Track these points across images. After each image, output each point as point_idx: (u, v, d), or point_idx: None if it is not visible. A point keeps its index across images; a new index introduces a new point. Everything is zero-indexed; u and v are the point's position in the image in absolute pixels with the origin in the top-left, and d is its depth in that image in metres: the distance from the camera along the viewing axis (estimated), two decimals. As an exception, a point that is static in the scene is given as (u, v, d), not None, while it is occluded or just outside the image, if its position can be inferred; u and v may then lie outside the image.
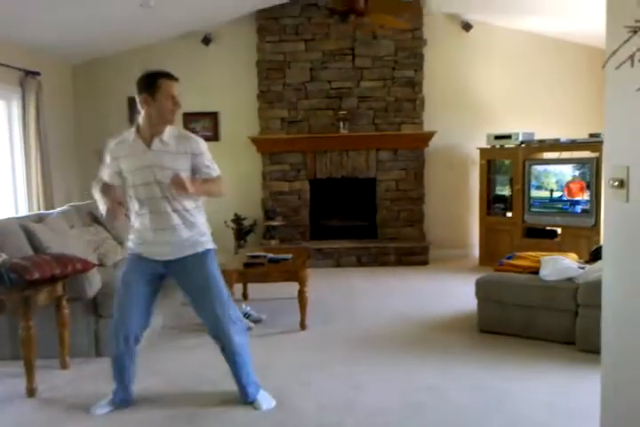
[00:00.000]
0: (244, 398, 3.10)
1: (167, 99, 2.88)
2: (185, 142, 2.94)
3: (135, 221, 3.01)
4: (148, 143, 2.90)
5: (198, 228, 3.02)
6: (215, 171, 3.05)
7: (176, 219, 2.94)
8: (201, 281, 2.98)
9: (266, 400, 3.09)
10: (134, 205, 2.98)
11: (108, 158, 3.02)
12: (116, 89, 7.06)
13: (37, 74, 5.92)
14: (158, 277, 3.05)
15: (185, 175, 2.84)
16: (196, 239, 2.99)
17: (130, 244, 3.06)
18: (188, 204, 2.98)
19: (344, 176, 6.93)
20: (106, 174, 3.04)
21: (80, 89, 7.12)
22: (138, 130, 2.95)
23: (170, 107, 2.90)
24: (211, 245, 3.06)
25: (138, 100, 2.92)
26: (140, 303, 3.01)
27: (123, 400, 3.12)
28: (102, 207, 2.96)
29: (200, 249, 3.00)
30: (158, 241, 2.94)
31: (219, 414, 2.99)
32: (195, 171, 2.96)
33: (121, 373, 3.11)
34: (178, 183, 2.78)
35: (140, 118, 2.95)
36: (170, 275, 3.04)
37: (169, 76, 2.92)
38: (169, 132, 2.93)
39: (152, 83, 2.88)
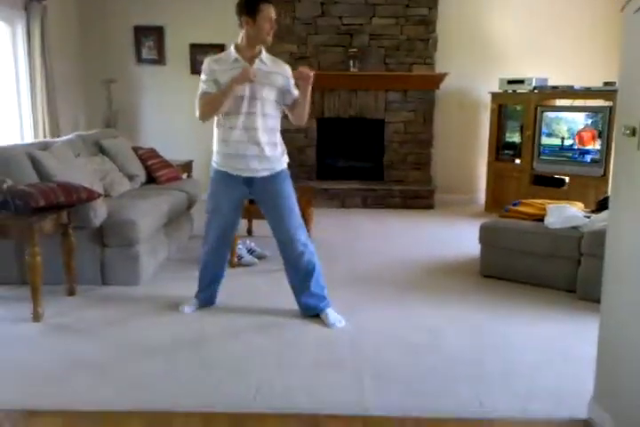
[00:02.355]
0: (316, 308, 3.36)
1: (266, 22, 3.12)
2: (278, 64, 3.26)
3: (224, 135, 3.22)
4: (249, 62, 3.15)
5: (281, 147, 3.31)
6: (295, 91, 3.30)
7: (264, 135, 3.19)
8: (281, 199, 3.26)
9: (336, 318, 3.34)
10: (225, 120, 3.19)
11: (205, 73, 3.22)
12: (122, 18, 6.88)
13: (42, -2, 5.74)
14: (242, 199, 3.37)
15: (276, 93, 3.19)
16: (278, 158, 3.27)
17: (216, 159, 3.30)
18: (274, 123, 3.27)
19: (352, 116, 6.82)
20: (206, 86, 3.21)
21: (86, 16, 6.91)
22: (238, 50, 3.18)
23: (268, 29, 3.13)
24: (285, 165, 3.33)
25: (239, 21, 3.16)
26: (232, 217, 3.37)
27: (207, 299, 3.55)
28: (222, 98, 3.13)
29: (279, 168, 3.28)
30: (246, 154, 3.18)
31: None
32: (283, 91, 3.24)
33: (213, 271, 3.52)
34: (304, 72, 3.13)
35: (240, 39, 3.20)
36: (252, 193, 3.31)
37: (268, 1, 3.14)
38: (265, 53, 3.22)
39: (253, 6, 3.11)
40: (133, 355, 2.95)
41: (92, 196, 3.71)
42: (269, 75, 3.18)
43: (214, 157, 3.33)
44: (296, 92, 3.28)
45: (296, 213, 3.30)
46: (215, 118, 3.26)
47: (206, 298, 3.56)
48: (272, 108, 3.22)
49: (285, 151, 3.35)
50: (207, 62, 3.24)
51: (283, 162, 3.31)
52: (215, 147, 3.31)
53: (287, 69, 3.27)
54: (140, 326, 3.30)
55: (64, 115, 6.34)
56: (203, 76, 3.23)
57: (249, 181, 3.25)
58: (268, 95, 3.18)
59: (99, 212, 3.80)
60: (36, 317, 3.32)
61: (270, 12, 3.12)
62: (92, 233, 3.85)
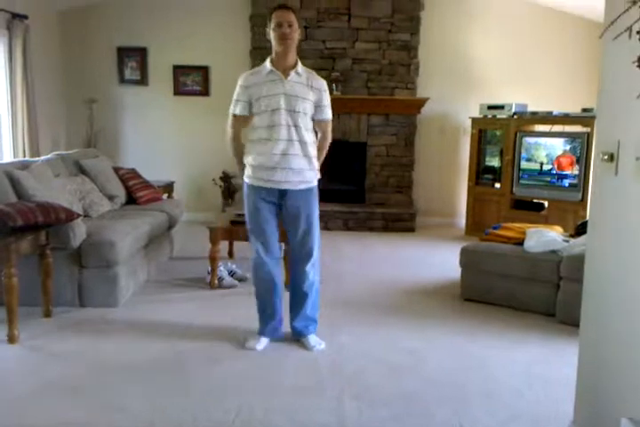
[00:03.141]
0: (303, 332, 3.34)
1: (275, 27, 3.11)
2: (314, 78, 3.24)
3: (257, 148, 3.19)
4: (285, 74, 3.15)
5: (314, 161, 3.27)
6: (329, 112, 3.31)
7: (298, 148, 3.16)
8: (306, 216, 3.26)
9: (316, 340, 3.33)
10: (259, 133, 3.17)
11: (239, 89, 3.23)
12: (106, 38, 6.90)
13: (25, 17, 5.74)
14: (276, 206, 3.28)
15: (311, 106, 3.18)
16: (311, 174, 3.26)
17: (248, 173, 3.26)
18: (310, 137, 3.24)
19: (335, 139, 6.81)
20: (238, 107, 3.24)
21: (68, 36, 6.91)
22: (273, 63, 3.18)
23: (277, 34, 3.12)
24: (316, 182, 3.32)
25: None
26: (272, 227, 3.29)
27: (276, 330, 3.38)
28: (238, 167, 3.37)
29: (311, 185, 3.28)
30: (279, 166, 3.15)
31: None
32: (315, 105, 3.22)
33: (273, 302, 3.34)
34: None
35: (273, 53, 3.20)
36: (282, 204, 3.25)
37: (279, 7, 3.17)
38: (301, 66, 3.21)
39: (269, 18, 3.15)
40: (108, 378, 2.90)
41: (70, 216, 3.67)
42: (303, 87, 3.17)
43: (247, 171, 3.27)
44: (327, 113, 3.28)
45: (317, 230, 3.31)
46: (249, 131, 3.26)
47: (273, 332, 3.38)
48: (305, 121, 3.19)
49: (317, 167, 3.32)
50: (241, 79, 3.24)
51: (316, 177, 3.31)
52: (250, 160, 3.24)
53: (322, 84, 3.25)
54: (117, 349, 3.25)
55: (44, 134, 6.31)
56: (235, 95, 3.24)
57: (283, 193, 3.22)
58: (304, 108, 3.16)
59: (77, 232, 3.76)
60: (12, 339, 3.26)
61: (279, 16, 3.11)
62: (71, 254, 3.81)
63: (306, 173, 3.22)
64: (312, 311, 3.39)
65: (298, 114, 3.14)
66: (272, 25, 3.13)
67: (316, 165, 3.30)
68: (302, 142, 3.17)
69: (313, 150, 3.26)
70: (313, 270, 3.34)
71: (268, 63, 3.20)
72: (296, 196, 3.23)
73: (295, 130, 3.15)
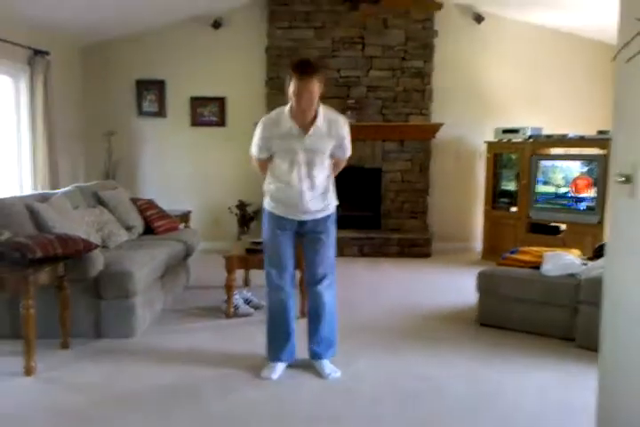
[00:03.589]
0: (320, 354, 3.35)
1: (294, 94, 3.03)
2: (335, 126, 3.19)
3: (277, 186, 3.25)
4: (304, 128, 3.13)
5: (330, 194, 3.32)
6: (349, 150, 3.34)
7: (320, 186, 3.23)
8: (325, 240, 3.30)
9: (332, 368, 3.31)
10: (279, 173, 3.23)
11: (259, 135, 3.23)
12: (125, 72, 7.06)
13: (46, 53, 5.90)
14: (295, 234, 3.34)
15: (329, 151, 3.22)
16: (327, 204, 3.30)
17: (269, 202, 3.32)
18: (329, 171, 3.29)
19: (350, 165, 6.82)
20: (256, 151, 3.30)
21: (89, 70, 7.10)
22: (293, 114, 3.13)
23: (296, 100, 3.05)
24: (334, 209, 3.37)
25: None
26: (289, 254, 3.32)
27: (291, 354, 3.38)
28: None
29: (329, 213, 3.32)
30: (300, 202, 3.21)
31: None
32: (336, 146, 3.24)
33: (286, 324, 3.35)
34: None
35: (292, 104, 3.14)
36: (301, 230, 3.31)
37: (300, 71, 3.00)
38: (322, 115, 3.15)
39: (289, 76, 3.04)
40: (124, 409, 2.90)
41: (89, 247, 3.71)
42: (323, 139, 3.17)
43: (267, 199, 3.34)
44: (345, 153, 3.32)
45: (329, 258, 3.35)
46: (269, 166, 3.31)
47: (290, 355, 3.40)
48: (323, 165, 3.24)
49: (334, 195, 3.38)
50: (261, 128, 3.22)
51: (334, 205, 3.36)
52: (269, 191, 3.32)
53: (343, 128, 3.22)
54: (133, 380, 3.25)
55: (64, 166, 6.42)
56: (256, 138, 3.26)
57: (301, 223, 3.29)
58: (322, 159, 3.21)
59: (95, 263, 3.79)
60: (28, 371, 3.27)
61: (296, 85, 2.99)
62: (88, 285, 3.83)
63: (323, 207, 3.28)
64: (329, 333, 3.39)
65: (315, 164, 3.19)
66: (291, 87, 3.03)
67: (332, 195, 3.34)
68: (321, 185, 3.24)
69: (330, 185, 3.32)
70: (328, 292, 3.36)
71: (287, 113, 3.14)
72: (314, 223, 3.30)
73: (315, 175, 3.19)
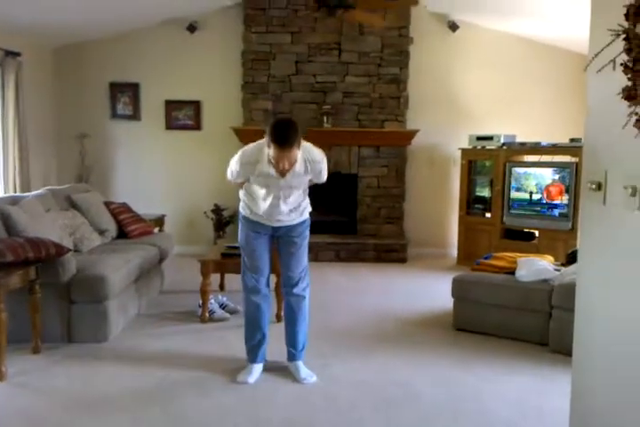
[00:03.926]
0: (292, 357, 3.38)
1: (273, 159, 3.07)
2: (312, 165, 3.22)
3: (253, 203, 3.33)
4: (282, 174, 3.16)
5: (304, 208, 3.41)
6: (324, 178, 3.38)
7: (294, 202, 3.31)
8: (296, 245, 3.37)
9: (307, 373, 3.32)
10: (254, 192, 3.30)
11: (237, 166, 3.23)
12: (98, 74, 6.97)
13: (18, 55, 5.82)
14: (271, 237, 3.41)
15: (307, 181, 3.31)
16: (304, 213, 3.41)
17: (245, 211, 3.39)
18: (300, 197, 3.36)
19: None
20: (232, 177, 3.34)
21: (61, 73, 6.99)
22: (269, 160, 3.11)
23: (275, 165, 3.10)
24: (308, 215, 3.45)
25: None
26: (265, 260, 3.39)
27: (264, 355, 3.41)
28: None
29: (302, 219, 3.40)
30: (274, 218, 3.30)
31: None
32: (313, 175, 3.29)
33: (261, 325, 3.39)
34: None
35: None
36: (276, 235, 3.39)
37: (279, 143, 2.99)
38: (300, 159, 3.16)
39: (268, 141, 3.03)
40: (98, 413, 2.85)
41: (60, 251, 3.65)
42: (299, 177, 3.23)
43: (243, 204, 3.41)
44: (323, 178, 3.35)
45: (304, 261, 3.42)
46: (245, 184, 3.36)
47: (262, 357, 3.42)
48: (300, 193, 3.34)
49: (309, 204, 3.46)
50: (241, 162, 3.20)
51: (307, 212, 3.44)
52: (244, 200, 3.40)
53: (319, 164, 3.25)
54: (106, 385, 3.20)
55: (36, 169, 6.33)
56: (233, 167, 3.26)
57: (276, 228, 3.37)
58: (297, 192, 3.30)
59: (67, 267, 3.73)
60: (0, 376, 3.20)
61: (275, 154, 3.02)
62: (60, 289, 3.77)
63: (297, 220, 3.38)
64: (303, 334, 3.43)
65: (292, 193, 3.27)
66: (271, 152, 3.03)
67: (306, 206, 3.42)
68: (296, 202, 3.32)
69: (305, 198, 3.40)
70: (305, 293, 3.43)
71: (266, 156, 3.10)
72: (289, 228, 3.38)
73: (289, 198, 3.27)
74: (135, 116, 7.04)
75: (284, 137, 2.99)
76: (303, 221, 3.42)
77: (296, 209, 3.36)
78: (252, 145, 3.25)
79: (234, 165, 3.25)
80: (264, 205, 3.28)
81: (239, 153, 3.24)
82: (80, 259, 3.99)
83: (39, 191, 4.75)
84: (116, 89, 7.01)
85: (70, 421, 2.78)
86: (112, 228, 5.10)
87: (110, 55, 6.98)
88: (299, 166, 3.17)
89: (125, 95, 7.02)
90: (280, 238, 3.40)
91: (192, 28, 6.83)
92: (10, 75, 5.70)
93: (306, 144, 3.21)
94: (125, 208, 5.46)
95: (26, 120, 5.96)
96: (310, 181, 3.36)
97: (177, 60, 6.95)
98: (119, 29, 6.81)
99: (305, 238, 3.43)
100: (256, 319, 3.39)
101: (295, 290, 3.39)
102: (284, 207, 3.28)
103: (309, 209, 3.46)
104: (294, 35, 6.83)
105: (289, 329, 3.43)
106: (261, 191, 3.26)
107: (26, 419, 2.79)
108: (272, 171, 3.14)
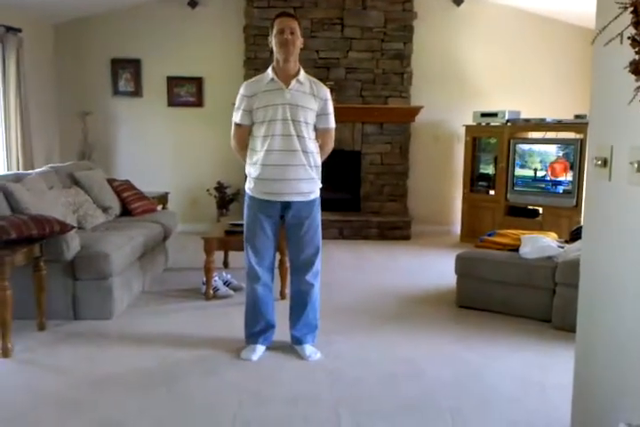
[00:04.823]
0: (302, 339, 3.32)
1: (277, 33, 3.07)
2: (317, 86, 3.19)
3: (259, 159, 3.13)
4: (286, 83, 3.10)
5: (318, 171, 3.23)
6: (333, 121, 3.27)
7: (303, 158, 3.12)
8: (308, 227, 3.22)
9: (312, 350, 3.30)
10: (260, 143, 3.12)
11: (240, 98, 3.19)
12: (100, 50, 6.91)
13: (19, 31, 5.75)
14: (278, 221, 3.26)
15: (313, 115, 3.14)
16: (314, 185, 3.21)
17: (250, 185, 3.22)
18: (314, 146, 3.19)
19: (329, 148, 6.86)
20: (238, 116, 3.20)
21: (62, 49, 6.93)
22: (275, 71, 3.14)
23: (278, 40, 3.08)
24: (318, 192, 3.28)
25: None
26: (269, 243, 3.25)
27: (268, 338, 3.36)
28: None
29: (314, 197, 3.24)
30: (284, 177, 3.10)
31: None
32: (318, 114, 3.18)
33: (264, 313, 3.33)
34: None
35: (274, 61, 3.16)
36: (285, 217, 3.23)
37: (282, 15, 3.15)
38: (304, 74, 3.17)
39: (271, 25, 3.12)
40: (104, 391, 2.88)
41: (64, 228, 3.65)
42: (305, 96, 3.13)
43: (248, 183, 3.24)
44: (330, 121, 3.24)
45: (317, 243, 3.29)
46: (249, 140, 3.23)
47: (267, 339, 3.38)
48: (308, 131, 3.14)
49: (320, 176, 3.28)
50: (243, 88, 3.21)
51: (318, 188, 3.27)
52: (249, 171, 3.22)
53: (326, 92, 3.21)
54: (111, 362, 3.22)
55: (38, 146, 6.31)
56: (236, 103, 3.22)
57: (285, 205, 3.19)
58: (306, 118, 3.12)
59: (71, 244, 3.74)
60: (5, 352, 3.23)
61: (281, 23, 3.07)
62: (64, 266, 3.78)
63: (308, 183, 3.17)
64: (313, 319, 3.38)
65: (299, 123, 3.10)
66: (274, 32, 3.09)
67: (319, 174, 3.25)
68: (305, 152, 3.13)
69: (318, 159, 3.23)
70: (315, 281, 3.32)
71: (269, 71, 3.16)
72: (298, 207, 3.20)
73: (298, 140, 3.10)
74: (137, 92, 6.99)
75: (285, 12, 3.23)
76: (314, 200, 3.24)
77: (310, 170, 3.14)
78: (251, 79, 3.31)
79: (238, 100, 3.20)
80: (272, 158, 3.07)
81: (240, 88, 3.23)
82: (84, 236, 4.00)
83: (42, 169, 4.75)
84: (118, 65, 6.95)
85: (76, 398, 2.80)
86: (115, 205, 5.10)
87: (111, 31, 6.90)
88: (302, 77, 3.14)
89: (127, 71, 6.97)
90: (289, 221, 3.24)
91: (193, 4, 6.75)
92: (11, 51, 5.64)
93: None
94: (128, 186, 5.45)
95: (28, 97, 5.93)
96: (317, 129, 3.20)
97: (178, 36, 6.89)
98: (120, 5, 6.74)
99: (315, 220, 3.26)
100: (257, 307, 3.32)
101: (304, 277, 3.28)
102: (294, 158, 3.07)
103: (320, 184, 3.27)
104: (296, 10, 6.72)
105: (294, 313, 3.36)
106: (260, 137, 3.10)
107: (32, 395, 2.82)
108: (276, 78, 3.11)
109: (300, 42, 3.14)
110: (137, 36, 6.91)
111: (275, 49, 3.12)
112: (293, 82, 3.11)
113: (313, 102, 3.15)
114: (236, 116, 3.22)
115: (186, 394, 2.85)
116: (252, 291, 3.33)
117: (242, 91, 3.20)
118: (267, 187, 3.15)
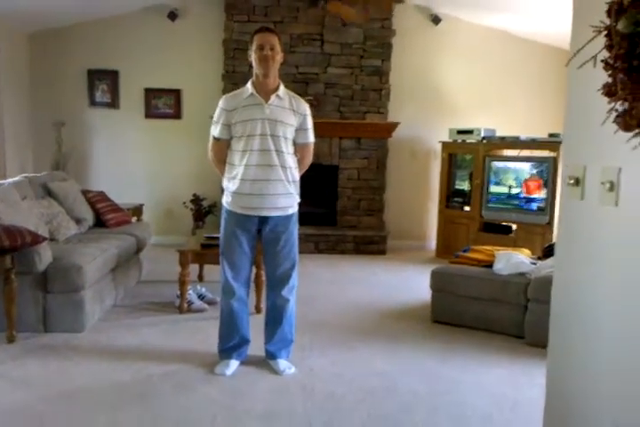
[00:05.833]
0: (276, 354, 3.31)
1: (257, 49, 3.07)
2: (296, 102, 3.19)
3: (237, 174, 3.12)
4: (266, 98, 3.10)
5: (296, 186, 3.23)
6: (312, 136, 3.28)
7: (281, 173, 3.11)
8: (284, 242, 3.22)
9: (286, 364, 3.29)
10: (239, 158, 3.11)
11: (218, 111, 3.18)
12: (76, 60, 6.87)
13: (-6, 39, 5.71)
14: (255, 235, 3.24)
15: (292, 130, 3.15)
16: (292, 200, 3.21)
17: (227, 199, 3.21)
18: (292, 161, 3.19)
19: (306, 162, 6.88)
20: (217, 130, 3.19)
21: (38, 58, 6.87)
22: (254, 86, 3.14)
23: (258, 56, 3.07)
24: (297, 207, 3.28)
25: None
26: (246, 258, 3.23)
27: (243, 353, 3.35)
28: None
29: (291, 211, 3.23)
30: (262, 192, 3.09)
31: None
32: (297, 129, 3.19)
33: (239, 328, 3.31)
34: None
35: (254, 75, 3.16)
36: (262, 231, 3.22)
37: (262, 30, 3.13)
38: (283, 89, 3.17)
39: (250, 39, 3.12)
40: (74, 406, 2.82)
41: (36, 240, 3.60)
42: (284, 111, 3.12)
43: (226, 197, 3.22)
44: (309, 136, 3.24)
45: (293, 258, 3.28)
46: (228, 154, 3.21)
47: (242, 355, 3.35)
48: (287, 146, 3.14)
49: (298, 191, 3.28)
50: (222, 101, 3.19)
51: (296, 202, 3.26)
52: (227, 185, 3.20)
53: (305, 108, 3.21)
54: (82, 376, 3.17)
55: (12, 156, 6.23)
56: (215, 117, 3.20)
57: (263, 220, 3.18)
58: (284, 133, 3.11)
59: (43, 256, 3.69)
60: (-28, 366, 3.16)
61: (260, 38, 3.07)
62: (36, 278, 3.72)
63: (286, 198, 3.16)
64: (288, 333, 3.36)
65: (278, 138, 3.09)
66: (254, 47, 3.08)
67: (297, 190, 3.24)
68: (284, 168, 3.12)
69: (296, 174, 3.23)
70: (291, 296, 3.31)
71: (249, 85, 3.15)
72: (276, 222, 3.19)
73: (277, 155, 3.09)
74: (114, 103, 6.95)
75: (265, 26, 3.22)
76: (291, 215, 3.23)
77: (288, 185, 3.14)
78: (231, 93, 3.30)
79: (216, 114, 3.18)
80: (250, 173, 3.06)
81: (219, 102, 3.21)
82: (56, 248, 3.95)
83: (15, 179, 4.67)
84: (95, 76, 6.91)
85: (47, 413, 2.74)
86: (89, 217, 5.04)
87: (89, 42, 6.87)
88: (282, 93, 3.14)
89: (104, 83, 6.93)
90: (266, 236, 3.22)
91: (173, 16, 6.76)
92: (-15, 60, 5.59)
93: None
94: (103, 197, 5.40)
95: (2, 107, 5.86)
96: (295, 144, 3.21)
97: (157, 48, 6.88)
98: (98, 15, 6.71)
99: (292, 235, 3.25)
100: (232, 322, 3.29)
101: (280, 292, 3.26)
102: (272, 173, 3.06)
103: (298, 199, 3.26)
104: (276, 24, 6.77)
105: (269, 328, 3.34)
106: (239, 152, 3.08)
107: (0, 410, 2.75)
108: (255, 93, 3.09)
109: (279, 57, 3.14)
110: (115, 47, 6.89)
111: (254, 64, 3.11)
112: (273, 97, 3.11)
113: (292, 118, 3.15)
114: (215, 130, 3.21)
115: (159, 409, 2.81)
116: (226, 306, 3.30)
117: (221, 104, 3.18)
118: (244, 201, 3.14)
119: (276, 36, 3.13)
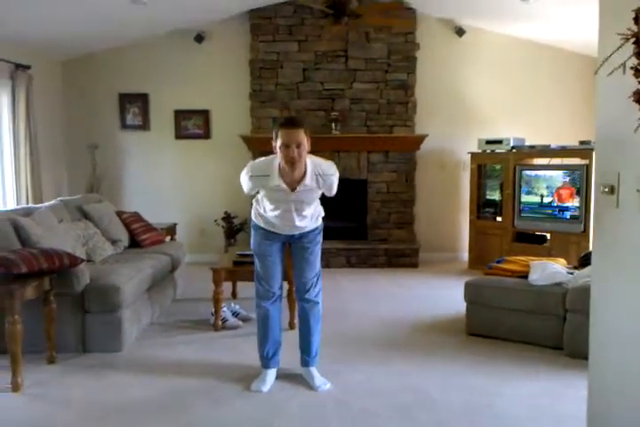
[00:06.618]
0: (307, 363, 3.38)
1: (282, 147, 3.02)
2: (323, 179, 3.17)
3: (265, 211, 3.29)
4: (292, 187, 3.12)
5: (317, 215, 3.37)
6: (335, 189, 3.30)
7: (301, 220, 3.27)
8: (308, 250, 3.35)
9: (322, 380, 3.32)
10: (268, 208, 3.26)
11: (247, 180, 3.21)
12: (107, 85, 7.03)
13: (28, 68, 5.87)
14: (284, 244, 3.40)
15: (318, 195, 3.29)
16: (315, 220, 3.36)
17: (257, 219, 3.37)
18: (316, 205, 3.35)
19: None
20: (247, 188, 3.27)
21: (70, 84, 7.06)
22: (281, 174, 3.10)
23: (284, 155, 3.02)
24: (321, 221, 3.41)
25: None
26: (277, 266, 3.37)
27: (278, 361, 3.42)
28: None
29: (315, 226, 3.37)
30: (289, 225, 3.26)
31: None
32: (324, 189, 3.26)
33: (273, 331, 3.39)
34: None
35: (280, 160, 3.10)
36: (290, 242, 3.40)
37: (287, 125, 3.04)
38: (310, 172, 3.11)
39: (275, 132, 3.06)
40: (113, 423, 2.86)
41: (74, 261, 3.67)
42: (311, 192, 3.21)
43: (255, 213, 3.39)
44: (332, 190, 3.28)
45: (316, 266, 3.40)
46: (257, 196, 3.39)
47: (275, 363, 3.43)
48: (310, 205, 3.29)
49: (322, 209, 3.42)
50: (251, 175, 3.18)
51: (320, 219, 3.41)
52: (256, 209, 3.37)
53: (330, 174, 3.19)
54: (121, 394, 3.20)
55: (47, 180, 6.38)
56: (244, 182, 3.24)
57: (290, 235, 3.36)
58: (310, 203, 3.26)
59: (81, 277, 3.75)
60: (15, 387, 3.21)
61: (286, 135, 2.99)
62: (74, 299, 3.79)
63: (311, 223, 3.35)
64: (317, 343, 3.44)
65: (303, 207, 3.23)
66: (279, 142, 3.02)
67: (319, 213, 3.39)
68: (309, 214, 3.30)
69: (320, 209, 3.39)
70: (318, 299, 3.44)
71: (275, 169, 3.10)
72: (302, 234, 3.37)
73: (302, 211, 3.25)
74: (145, 126, 7.09)
75: (291, 120, 3.15)
76: (316, 228, 3.40)
77: (311, 218, 3.34)
78: (260, 159, 3.28)
79: (244, 178, 3.24)
80: (275, 219, 3.27)
81: (247, 167, 3.23)
82: (93, 269, 4.02)
83: (51, 202, 4.79)
84: (126, 99, 7.06)
85: (87, 431, 2.78)
86: (124, 237, 5.12)
87: (119, 66, 7.04)
88: (309, 180, 3.12)
89: (135, 106, 7.07)
90: (293, 244, 3.41)
91: (199, 38, 6.88)
92: (21, 88, 5.75)
93: (314, 158, 3.20)
94: (137, 217, 5.49)
95: (37, 132, 6.02)
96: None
97: (185, 70, 7.00)
98: (127, 41, 6.88)
99: (317, 244, 3.41)
100: (266, 325, 3.40)
101: (308, 295, 3.39)
102: (296, 220, 3.25)
103: (322, 214, 3.43)
104: (301, 43, 6.86)
105: (302, 335, 3.43)
106: (272, 206, 3.24)
107: (42, 429, 2.80)
108: (282, 184, 3.11)
109: (306, 150, 3.08)
110: (144, 71, 7.04)
111: (280, 156, 3.06)
112: (300, 187, 3.13)
113: (318, 191, 3.26)
114: (245, 187, 3.29)
115: (195, 425, 2.82)
116: (261, 309, 3.41)
117: (248, 178, 3.20)
118: (272, 227, 3.33)
119: (301, 129, 3.05)
